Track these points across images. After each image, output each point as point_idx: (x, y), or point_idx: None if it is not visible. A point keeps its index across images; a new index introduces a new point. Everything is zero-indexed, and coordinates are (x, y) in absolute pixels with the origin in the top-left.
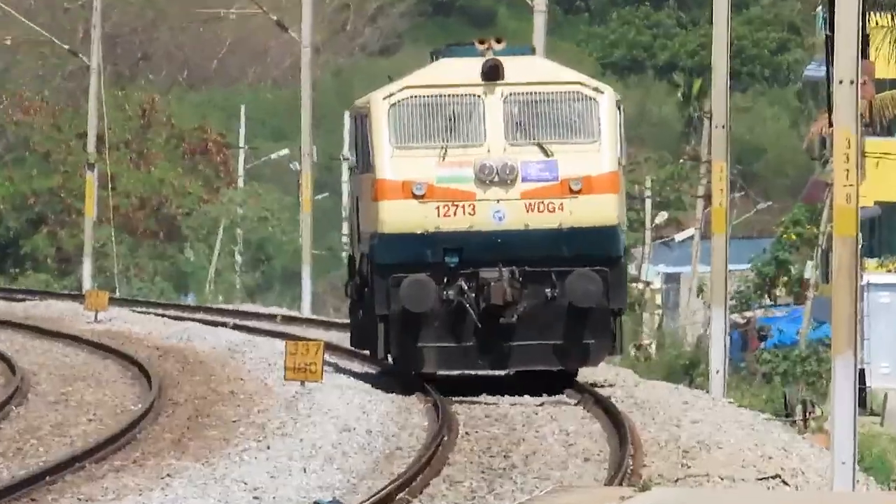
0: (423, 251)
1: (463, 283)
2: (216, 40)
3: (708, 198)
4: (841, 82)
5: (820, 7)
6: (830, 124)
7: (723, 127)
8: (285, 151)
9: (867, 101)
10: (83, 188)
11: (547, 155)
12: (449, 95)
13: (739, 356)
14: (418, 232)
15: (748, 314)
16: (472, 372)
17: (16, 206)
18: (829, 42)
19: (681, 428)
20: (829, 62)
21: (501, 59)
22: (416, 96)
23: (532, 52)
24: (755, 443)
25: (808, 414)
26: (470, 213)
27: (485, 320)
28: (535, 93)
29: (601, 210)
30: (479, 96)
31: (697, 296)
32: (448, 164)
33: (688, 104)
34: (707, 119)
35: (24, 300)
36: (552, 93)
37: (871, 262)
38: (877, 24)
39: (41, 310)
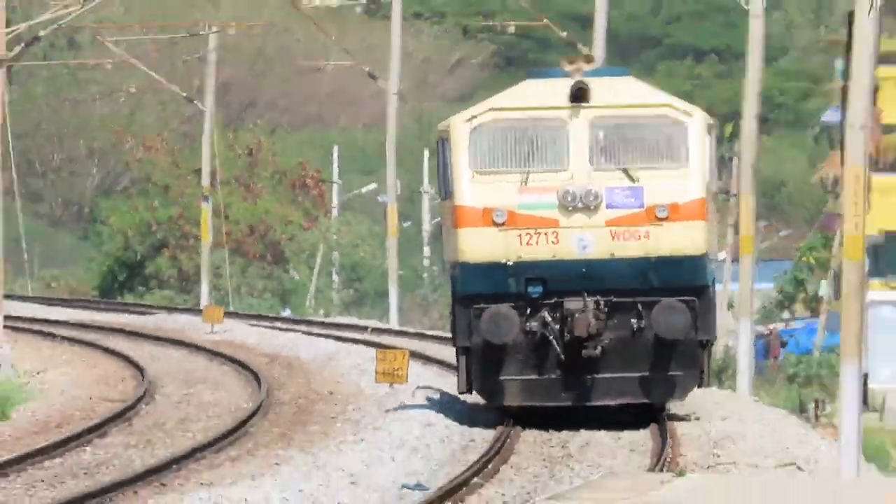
0: (505, 281)
1: (546, 314)
2: (314, 89)
3: (737, 226)
4: (853, 127)
5: (839, 60)
6: (842, 163)
7: (751, 165)
8: (373, 185)
9: (875, 143)
10: (199, 217)
11: (632, 181)
12: (533, 118)
13: (763, 362)
14: (500, 261)
15: (771, 326)
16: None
17: (141, 232)
18: (844, 92)
19: (711, 423)
20: (843, 109)
21: (589, 80)
22: (498, 119)
23: (627, 73)
24: (775, 435)
25: (819, 410)
26: (553, 242)
27: (568, 352)
28: (623, 116)
29: (688, 238)
30: (564, 119)
31: (727, 310)
32: (530, 190)
33: (720, 144)
34: (737, 158)
35: (150, 314)
36: (640, 116)
37: (875, 282)
38: (886, 76)
39: (166, 323)
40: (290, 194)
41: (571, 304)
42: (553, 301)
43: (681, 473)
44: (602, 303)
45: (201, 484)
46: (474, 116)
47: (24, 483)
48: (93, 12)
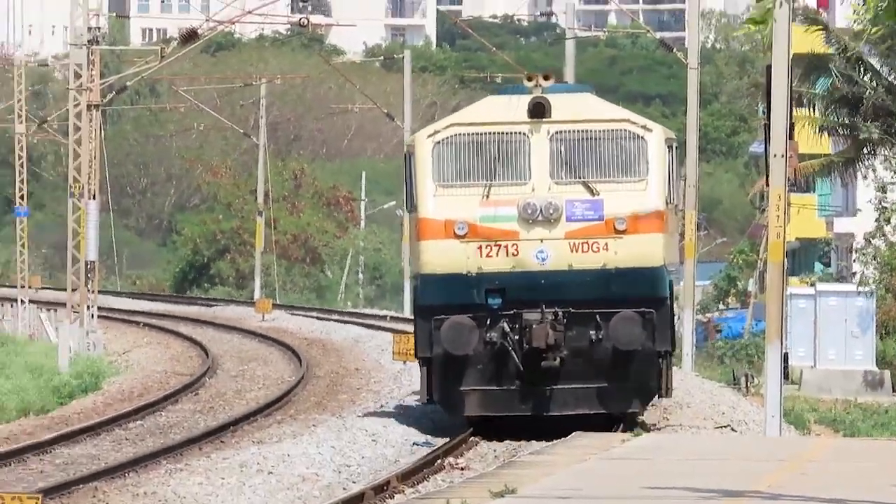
0: (466, 293)
1: (505, 326)
2: (345, 126)
3: (682, 235)
4: (775, 156)
5: (760, 103)
6: (767, 185)
7: (693, 186)
8: (393, 203)
9: (793, 169)
10: (254, 228)
11: (592, 194)
12: (494, 133)
13: (702, 344)
14: (461, 273)
15: (708, 315)
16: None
17: (207, 240)
18: (766, 128)
19: None
20: (766, 142)
21: (549, 96)
22: (460, 134)
23: (588, 90)
24: (713, 402)
25: (748, 383)
26: (513, 254)
27: (527, 363)
28: (582, 130)
29: (646, 250)
30: (524, 134)
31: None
32: (491, 203)
33: None
34: (683, 181)
35: (213, 306)
36: (599, 130)
37: (793, 279)
38: (798, 116)
39: (226, 312)
40: (327, 210)
41: (530, 315)
42: (512, 312)
43: (637, 434)
44: (561, 314)
45: (253, 442)
46: (437, 132)
47: (112, 440)
48: (169, 67)
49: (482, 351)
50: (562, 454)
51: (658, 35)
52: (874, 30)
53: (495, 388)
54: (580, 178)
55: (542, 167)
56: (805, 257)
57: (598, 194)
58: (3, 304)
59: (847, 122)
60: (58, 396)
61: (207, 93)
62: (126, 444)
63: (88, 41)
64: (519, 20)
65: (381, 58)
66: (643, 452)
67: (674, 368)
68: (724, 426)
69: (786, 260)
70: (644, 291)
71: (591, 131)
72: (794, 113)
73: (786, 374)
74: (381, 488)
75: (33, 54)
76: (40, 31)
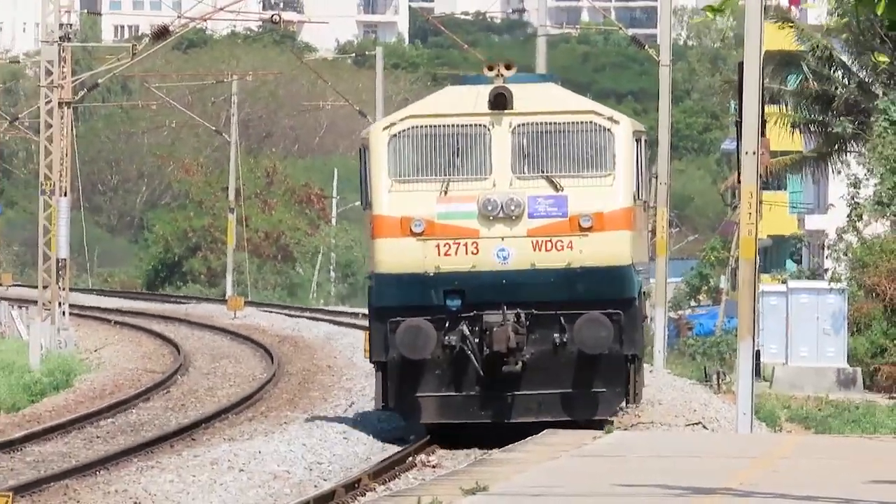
0: (423, 293)
1: (465, 328)
2: (317, 123)
3: (653, 232)
4: (747, 153)
5: (732, 100)
6: (739, 182)
7: (665, 183)
8: None
9: (765, 166)
10: (226, 225)
11: (556, 189)
12: (453, 125)
13: (674, 341)
14: (417, 272)
15: (680, 312)
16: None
17: (178, 237)
18: (738, 125)
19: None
20: (738, 139)
21: (511, 86)
22: (417, 126)
23: (553, 79)
24: (684, 400)
25: (720, 380)
26: (472, 252)
27: (488, 368)
28: (546, 123)
29: (613, 249)
30: (485, 126)
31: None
32: (450, 200)
33: None
34: (655, 178)
35: (185, 303)
36: (564, 123)
37: (765, 276)
38: (770, 113)
39: (197, 310)
40: (299, 207)
41: (491, 317)
42: (472, 314)
43: (609, 431)
44: (523, 316)
45: (224, 439)
46: (392, 124)
47: (83, 438)
48: (140, 64)
49: (440, 355)
50: (533, 451)
51: (630, 32)
52: (844, 21)
53: (454, 393)
54: (543, 172)
55: (503, 161)
56: (777, 254)
57: (563, 190)
58: None
59: (819, 118)
60: (29, 394)
61: (179, 90)
62: (97, 441)
63: (60, 38)
64: (491, 17)
65: (354, 55)
66: (615, 450)
67: (645, 366)
68: (696, 423)
69: (758, 257)
70: (611, 292)
71: (554, 124)
72: (766, 110)
73: (757, 372)
74: (353, 486)
75: (4, 51)
76: (12, 27)
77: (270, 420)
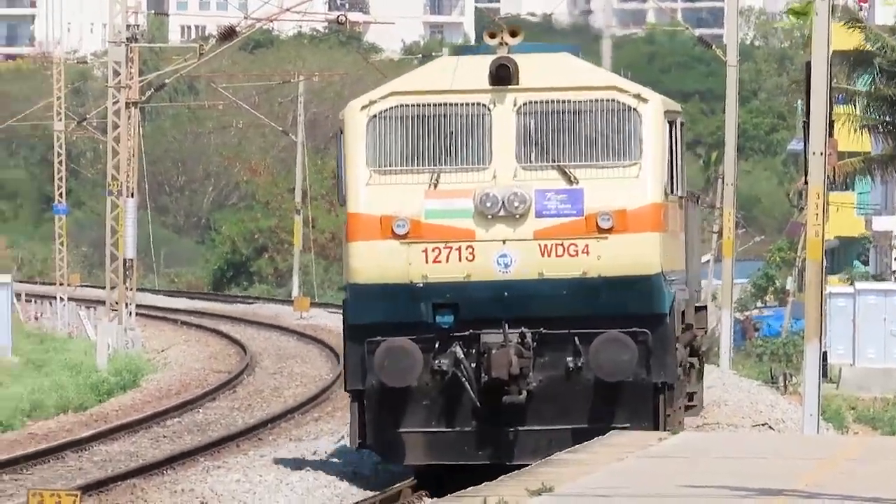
0: (407, 308)
1: (458, 350)
2: None
3: (720, 233)
4: (814, 154)
5: (800, 101)
6: (806, 183)
7: (731, 184)
8: None
9: (832, 167)
10: (292, 226)
11: (570, 182)
12: (445, 104)
13: (740, 343)
14: (400, 283)
15: (746, 313)
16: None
17: (246, 238)
18: (806, 126)
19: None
20: (805, 139)
21: (517, 56)
22: (403, 105)
23: (572, 49)
24: (751, 401)
25: (787, 381)
26: (468, 259)
27: (485, 398)
28: (558, 101)
29: (638, 254)
30: (484, 105)
31: (711, 301)
32: (440, 194)
33: (707, 168)
34: (720, 179)
35: (252, 304)
36: (579, 101)
37: (833, 278)
38: (839, 113)
39: (264, 310)
40: None
41: (489, 337)
42: (467, 333)
43: (675, 432)
44: (528, 336)
45: (290, 439)
46: (372, 102)
47: (150, 437)
48: (207, 64)
49: (428, 382)
50: (599, 452)
51: (697, 32)
52: None
53: (445, 429)
54: (554, 161)
55: (505, 148)
56: (844, 256)
57: (577, 183)
58: (42, 302)
59: (889, 119)
60: (96, 394)
61: (246, 90)
62: (164, 441)
63: (127, 39)
64: (556, 18)
65: (420, 55)
66: (681, 451)
67: (712, 367)
68: (762, 424)
69: (824, 258)
70: (635, 306)
71: (569, 102)
72: (835, 110)
73: (824, 373)
74: (416, 487)
75: (72, 52)
76: (79, 29)
77: (336, 420)
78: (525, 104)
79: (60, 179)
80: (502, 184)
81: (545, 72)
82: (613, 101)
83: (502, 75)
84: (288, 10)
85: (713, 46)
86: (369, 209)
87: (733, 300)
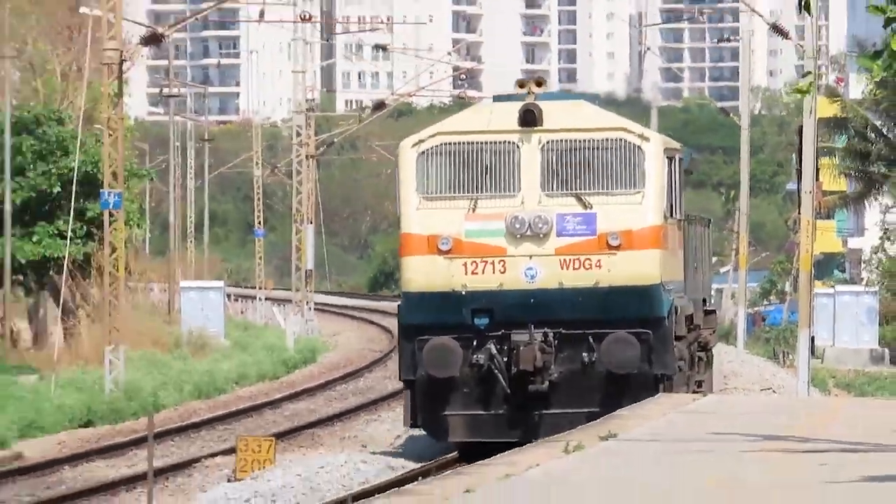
0: (451, 312)
1: (493, 347)
2: None
3: (736, 250)
4: (805, 192)
5: (794, 154)
6: (799, 213)
7: (745, 215)
8: None
9: (818, 202)
10: None
11: (585, 207)
12: (482, 143)
13: (751, 330)
14: (445, 291)
15: (756, 308)
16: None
17: (394, 254)
18: (799, 172)
19: (722, 366)
20: (799, 182)
21: (542, 103)
22: (447, 143)
23: (589, 99)
24: (759, 373)
25: (785, 358)
26: (500, 271)
27: (515, 387)
28: (575, 140)
29: (642, 267)
30: (514, 143)
31: (730, 299)
32: (478, 217)
33: (727, 203)
34: (737, 210)
35: (398, 302)
36: (593, 140)
37: (818, 283)
38: (823, 163)
39: None
40: None
41: (518, 336)
42: (500, 333)
43: (705, 394)
44: (550, 335)
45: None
46: (421, 141)
47: (325, 398)
48: (364, 127)
49: (468, 373)
50: (650, 409)
51: (719, 104)
52: (877, 92)
53: (481, 412)
54: (572, 190)
55: (532, 179)
56: (827, 267)
57: (591, 207)
58: (246, 301)
59: (860, 167)
60: (285, 367)
61: (392, 146)
62: (335, 400)
63: (307, 109)
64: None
65: None
66: (709, 408)
67: (731, 347)
68: (768, 388)
69: (813, 269)
70: (640, 311)
71: (584, 140)
72: (820, 161)
73: (812, 352)
74: (458, 460)
75: (267, 119)
76: (272, 102)
77: None
78: (548, 142)
79: (259, 211)
80: (529, 209)
81: (565, 115)
82: (621, 139)
83: (529, 119)
84: (422, 88)
85: (731, 114)
86: (419, 229)
87: (746, 298)
